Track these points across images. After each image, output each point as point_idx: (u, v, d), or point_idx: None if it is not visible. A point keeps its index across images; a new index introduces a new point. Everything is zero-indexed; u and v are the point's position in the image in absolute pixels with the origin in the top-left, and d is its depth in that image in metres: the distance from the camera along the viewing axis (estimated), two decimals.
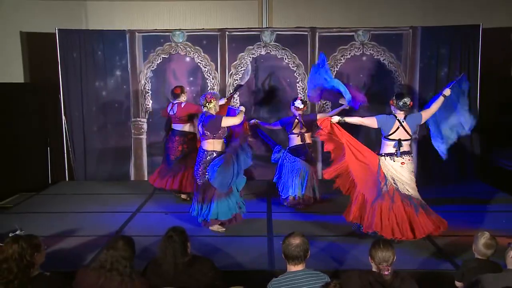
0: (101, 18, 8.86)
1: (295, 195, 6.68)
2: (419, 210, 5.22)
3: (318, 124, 5.54)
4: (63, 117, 8.51)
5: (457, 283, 3.86)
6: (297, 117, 6.80)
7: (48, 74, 8.54)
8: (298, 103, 6.78)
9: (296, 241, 3.40)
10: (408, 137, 5.33)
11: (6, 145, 7.92)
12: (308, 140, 6.88)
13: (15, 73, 8.71)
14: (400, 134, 5.28)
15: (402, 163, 5.26)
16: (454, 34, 8.26)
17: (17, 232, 3.84)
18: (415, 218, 5.19)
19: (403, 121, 5.29)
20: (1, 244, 3.50)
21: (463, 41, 8.26)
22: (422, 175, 8.28)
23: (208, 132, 5.66)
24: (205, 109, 5.75)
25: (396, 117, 5.31)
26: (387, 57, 8.38)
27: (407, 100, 5.26)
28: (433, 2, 8.85)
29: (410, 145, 5.42)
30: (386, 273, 3.28)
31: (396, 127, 5.27)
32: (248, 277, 4.43)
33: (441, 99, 5.41)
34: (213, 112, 5.74)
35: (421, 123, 5.55)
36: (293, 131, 6.84)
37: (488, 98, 8.26)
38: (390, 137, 5.29)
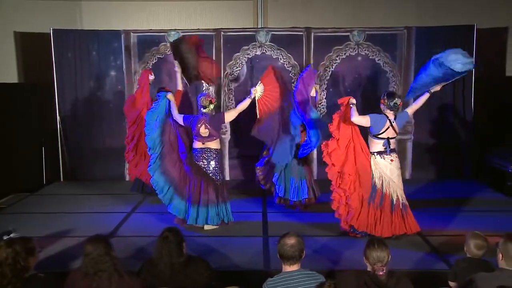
0: (96, 18, 8.84)
1: (295, 199, 6.59)
2: (395, 210, 5.30)
3: (339, 102, 5.40)
4: (58, 117, 8.47)
5: (450, 283, 3.87)
6: None
7: (43, 74, 8.51)
8: None
9: (291, 241, 3.39)
10: (395, 135, 5.43)
11: (1, 145, 7.88)
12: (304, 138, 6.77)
13: (10, 73, 8.67)
14: (389, 133, 5.35)
15: (392, 160, 5.35)
16: (449, 34, 8.26)
17: (11, 235, 3.77)
18: (387, 216, 5.28)
19: (393, 121, 5.35)
20: None
21: (458, 41, 8.24)
22: (418, 175, 8.34)
23: (215, 131, 5.71)
24: (205, 110, 5.72)
25: (387, 116, 5.35)
26: (382, 57, 8.39)
27: (397, 100, 5.31)
28: (430, 2, 8.86)
29: (395, 142, 5.51)
30: (380, 273, 3.28)
31: (387, 126, 5.32)
32: (244, 277, 4.44)
33: (426, 96, 5.42)
34: (210, 112, 5.76)
35: (409, 119, 5.60)
36: None
37: (483, 98, 8.28)
38: (380, 136, 5.34)
